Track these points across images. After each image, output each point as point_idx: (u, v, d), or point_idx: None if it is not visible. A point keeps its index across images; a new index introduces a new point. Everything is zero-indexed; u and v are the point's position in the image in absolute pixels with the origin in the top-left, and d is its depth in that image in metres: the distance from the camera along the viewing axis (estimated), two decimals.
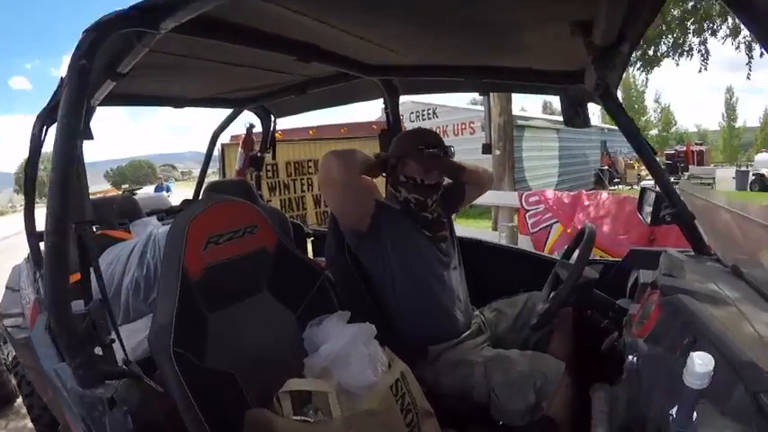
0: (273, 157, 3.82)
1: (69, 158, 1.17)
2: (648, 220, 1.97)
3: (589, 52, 1.42)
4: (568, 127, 2.07)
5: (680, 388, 0.92)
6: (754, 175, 19.60)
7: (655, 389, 1.18)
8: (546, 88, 2.33)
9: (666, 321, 1.32)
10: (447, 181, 2.24)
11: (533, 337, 2.12)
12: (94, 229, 2.51)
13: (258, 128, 3.63)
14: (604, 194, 5.92)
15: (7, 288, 3.12)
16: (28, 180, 2.41)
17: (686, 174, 21.10)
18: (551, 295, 1.96)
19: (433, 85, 2.76)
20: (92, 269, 1.34)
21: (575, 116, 1.97)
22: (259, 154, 3.77)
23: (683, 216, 1.88)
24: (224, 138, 4.29)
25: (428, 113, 16.60)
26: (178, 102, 2.94)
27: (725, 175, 21.17)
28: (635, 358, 1.30)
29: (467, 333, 2.07)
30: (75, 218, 1.23)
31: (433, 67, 2.31)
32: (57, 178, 1.16)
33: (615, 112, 1.89)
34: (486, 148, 8.87)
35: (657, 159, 2.02)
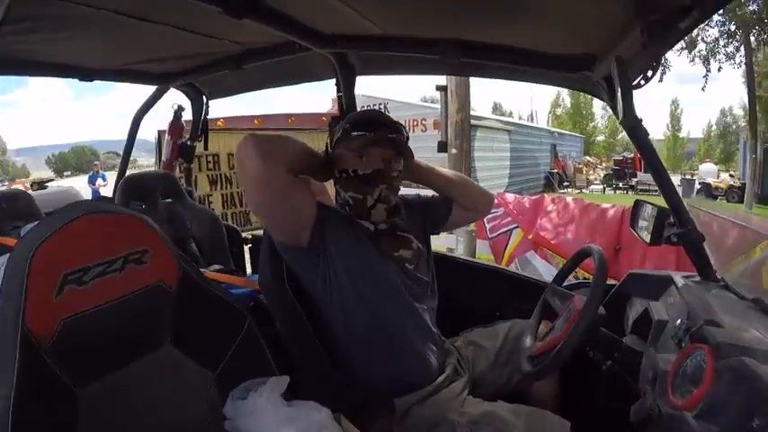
0: (206, 147, 3.33)
1: None
2: (648, 239, 1.76)
3: (639, 18, 1.15)
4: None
5: None
6: (700, 183, 20.40)
7: None
8: (540, 75, 2.00)
9: (726, 393, 1.02)
10: (432, 193, 1.91)
11: (516, 376, 1.79)
12: None
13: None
14: (568, 199, 5.74)
15: None
16: None
17: (634, 180, 22.09)
18: (551, 333, 1.62)
19: (399, 63, 2.24)
20: None
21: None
22: (189, 142, 3.29)
23: (692, 237, 1.66)
24: (162, 123, 3.74)
25: (379, 108, 16.14)
26: (83, 72, 2.47)
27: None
28: None
29: (441, 378, 1.66)
30: None
31: (403, 40, 1.91)
32: None
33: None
34: (442, 146, 8.71)
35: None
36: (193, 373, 1.29)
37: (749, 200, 16.50)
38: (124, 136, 3.29)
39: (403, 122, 1.72)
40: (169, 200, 2.95)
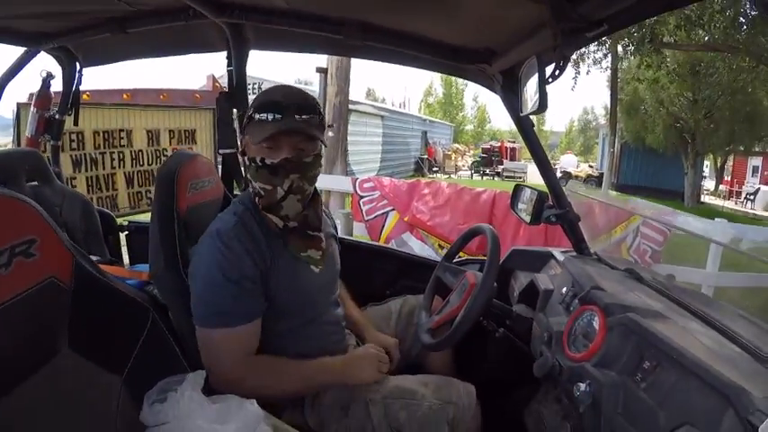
0: (75, 123, 2.96)
1: None
2: (527, 219, 1.94)
3: (556, 24, 1.22)
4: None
5: (646, 415, 1.01)
6: (561, 172, 22.35)
7: (616, 418, 1.11)
8: (437, 64, 2.04)
9: (618, 343, 1.22)
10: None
11: (415, 349, 1.86)
12: None
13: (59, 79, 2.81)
14: (443, 184, 5.96)
15: None
16: None
17: (501, 167, 23.78)
18: (446, 307, 1.72)
19: (297, 40, 2.09)
20: None
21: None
22: (57, 116, 2.90)
23: (570, 218, 1.87)
24: (20, 95, 3.31)
25: (252, 88, 15.71)
26: None
27: (534, 170, 24.07)
28: (586, 386, 1.18)
29: None
30: None
31: (306, 16, 1.86)
32: None
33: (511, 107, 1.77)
34: None
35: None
36: (98, 379, 1.10)
37: (606, 188, 18.49)
38: None
39: None
40: (35, 183, 2.57)
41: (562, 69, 1.30)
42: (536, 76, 1.39)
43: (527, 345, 1.70)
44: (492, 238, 1.67)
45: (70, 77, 2.76)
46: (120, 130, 6.03)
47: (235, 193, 2.23)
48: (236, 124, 2.29)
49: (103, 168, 5.87)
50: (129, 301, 1.22)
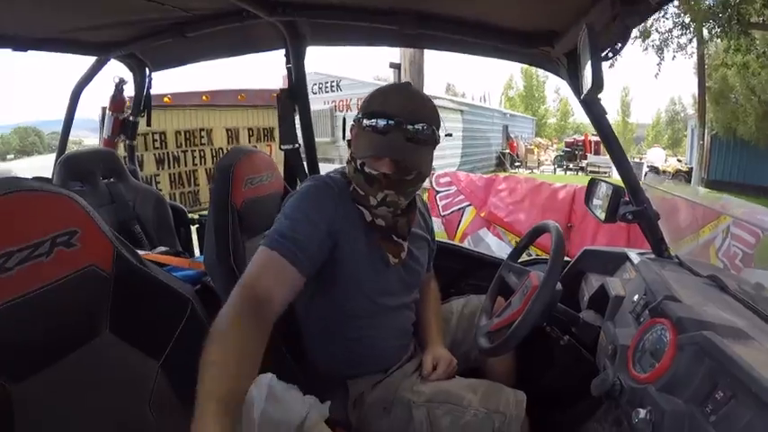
0: (148, 123, 3.12)
1: None
2: (602, 216, 1.74)
3: None
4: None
5: None
6: (648, 167, 20.59)
7: None
8: (497, 50, 1.92)
9: (687, 366, 1.05)
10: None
11: (473, 352, 1.76)
12: None
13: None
14: (521, 179, 5.80)
15: None
16: None
17: (584, 161, 22.57)
18: (507, 309, 1.60)
19: (353, 33, 2.12)
20: None
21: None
22: (131, 118, 3.12)
23: (647, 216, 1.68)
24: (106, 99, 3.54)
25: (331, 86, 16.16)
26: (19, 42, 2.29)
27: None
28: (647, 413, 1.02)
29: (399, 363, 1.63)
30: None
31: (358, 9, 1.82)
32: None
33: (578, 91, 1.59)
34: None
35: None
36: (136, 362, 1.16)
37: (695, 184, 17.27)
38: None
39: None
40: (111, 179, 2.81)
41: (624, 42, 1.20)
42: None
43: (593, 356, 1.56)
44: (556, 236, 1.53)
45: (141, 82, 2.93)
46: (201, 130, 6.28)
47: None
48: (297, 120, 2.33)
49: (185, 165, 6.14)
50: (168, 290, 1.24)
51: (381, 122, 1.32)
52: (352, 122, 1.45)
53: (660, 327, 1.17)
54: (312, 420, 1.15)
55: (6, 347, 0.92)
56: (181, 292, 1.26)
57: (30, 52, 2.36)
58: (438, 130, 1.40)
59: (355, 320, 1.50)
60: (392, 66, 8.96)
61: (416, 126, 1.33)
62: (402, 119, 1.32)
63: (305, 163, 2.40)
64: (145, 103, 3.01)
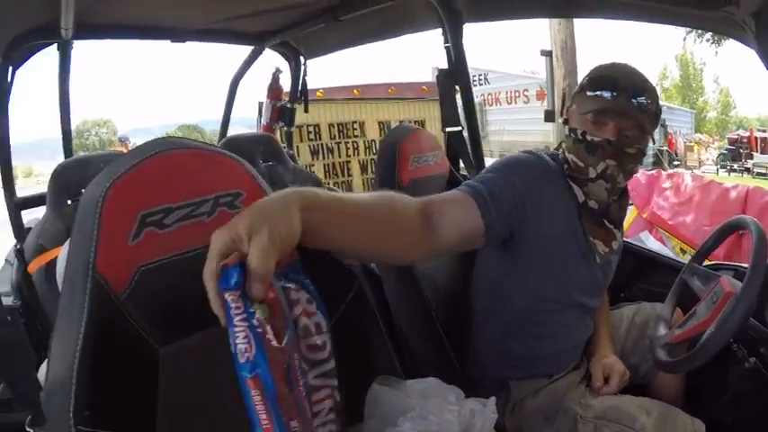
0: (306, 110, 3.27)
1: None
2: None
3: None
4: None
5: None
6: None
7: None
8: (674, 14, 1.70)
9: None
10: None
11: (644, 366, 1.58)
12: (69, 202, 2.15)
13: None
14: (687, 177, 5.26)
15: (6, 261, 2.76)
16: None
17: (750, 161, 19.53)
18: (691, 319, 1.39)
19: (512, 6, 2.04)
20: None
21: None
22: (289, 105, 3.25)
23: None
24: (262, 93, 3.76)
25: (478, 79, 15.82)
26: (176, 33, 2.44)
27: None
28: None
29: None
30: None
31: None
32: None
33: None
34: (549, 116, 8.36)
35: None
36: None
37: None
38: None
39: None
40: (270, 163, 2.94)
41: None
42: None
43: None
44: (757, 234, 1.31)
45: (296, 70, 3.05)
46: (354, 122, 6.55)
47: (461, 172, 2.19)
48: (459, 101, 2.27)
49: (339, 156, 6.43)
50: (334, 263, 1.15)
51: (606, 93, 1.27)
52: (571, 100, 1.40)
53: None
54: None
55: (154, 306, 0.91)
56: (349, 268, 1.19)
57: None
58: (658, 111, 1.33)
59: (543, 313, 1.40)
60: (543, 53, 8.67)
61: (640, 99, 1.27)
62: (627, 90, 1.27)
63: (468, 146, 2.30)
64: (301, 90, 3.13)
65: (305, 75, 3.06)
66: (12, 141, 2.24)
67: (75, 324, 0.81)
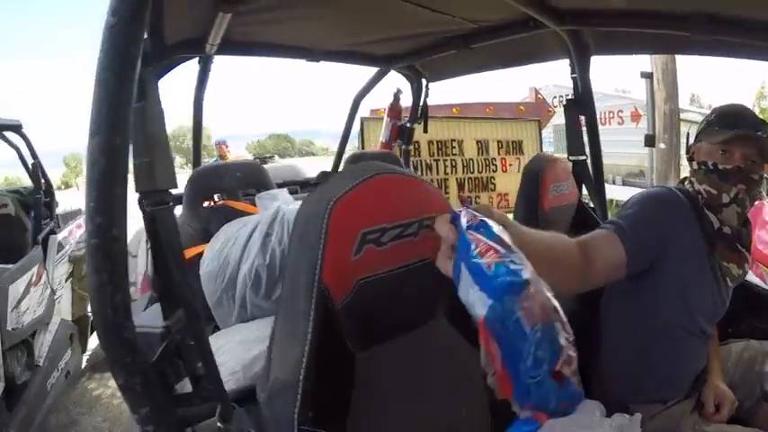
0: (425, 130, 3.41)
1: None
2: None
3: None
4: None
5: None
6: None
7: None
8: None
9: None
10: None
11: (748, 401, 1.61)
12: (216, 198, 2.34)
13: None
14: None
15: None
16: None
17: None
18: None
19: (639, 41, 2.00)
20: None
21: None
22: (408, 124, 3.40)
23: None
24: (363, 110, 3.93)
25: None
26: (311, 54, 2.57)
27: None
28: None
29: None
30: (141, 186, 0.82)
31: (647, 15, 1.77)
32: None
33: None
34: (650, 140, 8.04)
35: None
36: (465, 353, 1.11)
37: None
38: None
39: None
40: None
41: None
42: None
43: None
44: None
45: (418, 92, 3.17)
46: (452, 140, 6.56)
47: (583, 200, 2.25)
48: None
49: (437, 173, 6.47)
50: None
51: (732, 127, 1.44)
52: (695, 140, 1.56)
53: None
54: None
55: (363, 316, 0.99)
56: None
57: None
58: None
59: (669, 340, 1.48)
60: (643, 75, 8.42)
61: (759, 131, 1.43)
62: (750, 123, 1.44)
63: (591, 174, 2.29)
64: (421, 112, 3.24)
65: (426, 97, 3.16)
66: None
67: (300, 331, 0.90)
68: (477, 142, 6.68)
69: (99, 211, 0.70)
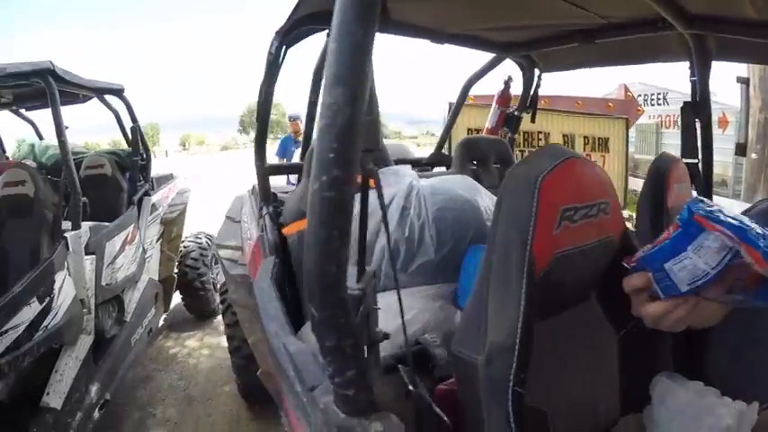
0: (532, 120, 3.40)
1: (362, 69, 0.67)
2: None
3: None
4: None
5: None
6: None
7: None
8: None
9: None
10: None
11: None
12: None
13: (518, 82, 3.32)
14: None
15: (227, 218, 3.19)
16: (262, 104, 2.26)
17: None
18: None
19: (760, 50, 1.95)
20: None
21: None
22: (516, 113, 3.44)
23: None
24: (451, 97, 4.02)
25: (657, 98, 14.86)
26: (436, 35, 2.55)
27: None
28: None
29: None
30: (366, 143, 0.81)
31: None
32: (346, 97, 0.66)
33: None
34: (741, 149, 7.69)
35: None
36: (603, 331, 1.24)
37: None
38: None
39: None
40: (497, 165, 3.11)
41: None
42: None
43: None
44: None
45: (530, 81, 3.22)
46: (539, 132, 6.64)
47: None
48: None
49: None
50: None
51: None
52: None
53: None
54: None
55: (553, 288, 1.04)
56: None
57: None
58: None
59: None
60: (740, 80, 8.05)
61: None
62: None
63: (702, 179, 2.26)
64: (531, 101, 3.29)
65: (537, 87, 3.18)
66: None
67: (514, 297, 0.95)
68: (564, 136, 6.75)
69: (338, 164, 0.67)
